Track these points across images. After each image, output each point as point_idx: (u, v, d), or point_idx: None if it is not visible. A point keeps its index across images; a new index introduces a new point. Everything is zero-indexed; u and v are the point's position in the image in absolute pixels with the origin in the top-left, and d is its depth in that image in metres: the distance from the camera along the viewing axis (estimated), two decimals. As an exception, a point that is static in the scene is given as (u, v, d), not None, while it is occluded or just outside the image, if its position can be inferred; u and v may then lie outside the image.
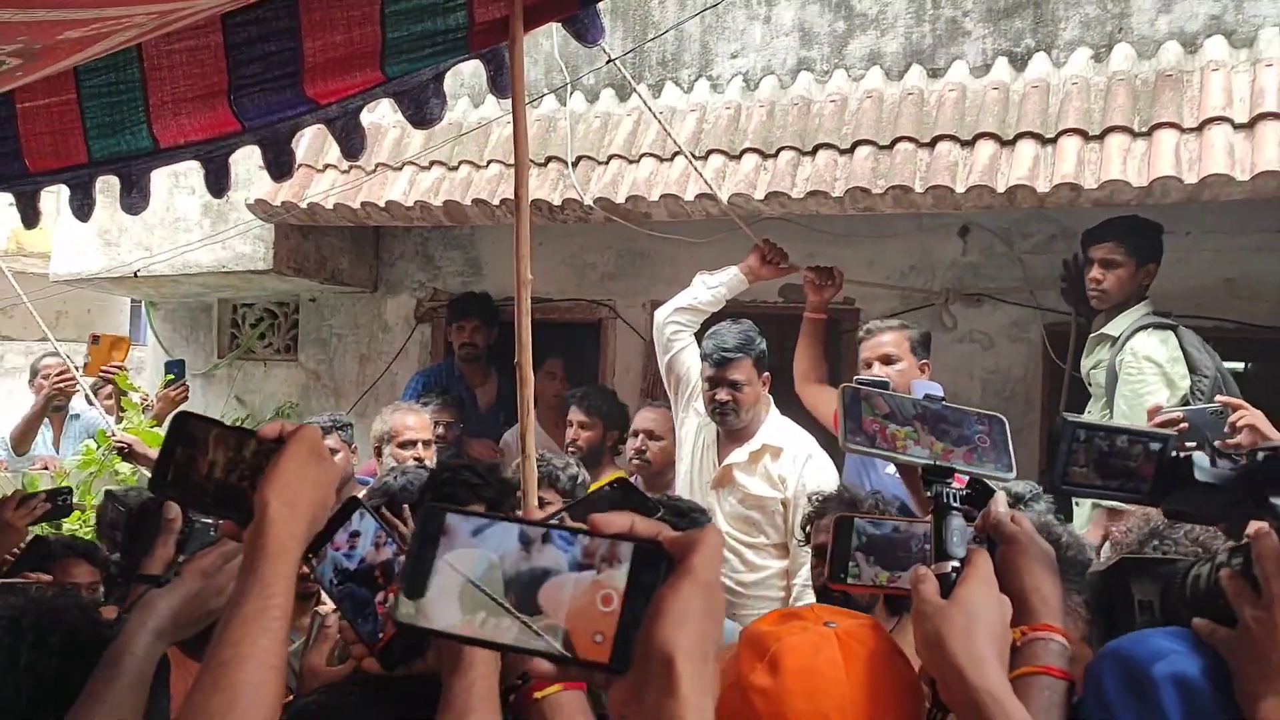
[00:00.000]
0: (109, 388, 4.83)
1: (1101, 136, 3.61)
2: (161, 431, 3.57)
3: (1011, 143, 3.71)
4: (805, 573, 2.96)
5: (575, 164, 4.28)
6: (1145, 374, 3.22)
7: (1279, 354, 4.11)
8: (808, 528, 2.51)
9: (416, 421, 3.81)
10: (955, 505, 1.12)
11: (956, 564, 1.09)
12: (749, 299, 4.02)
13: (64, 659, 1.25)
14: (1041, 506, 2.43)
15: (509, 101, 2.21)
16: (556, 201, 4.23)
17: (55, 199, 3.63)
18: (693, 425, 3.52)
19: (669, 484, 3.64)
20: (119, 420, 4.59)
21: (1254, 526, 1.07)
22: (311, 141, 4.56)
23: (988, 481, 1.21)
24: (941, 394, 1.26)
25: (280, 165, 2.55)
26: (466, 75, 4.44)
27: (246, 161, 3.36)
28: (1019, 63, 3.98)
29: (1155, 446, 1.19)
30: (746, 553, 3.30)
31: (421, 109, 2.32)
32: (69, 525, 3.60)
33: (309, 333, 5.66)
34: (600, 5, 2.19)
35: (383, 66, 2.18)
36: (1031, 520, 1.69)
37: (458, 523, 0.69)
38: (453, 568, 0.68)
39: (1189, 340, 3.31)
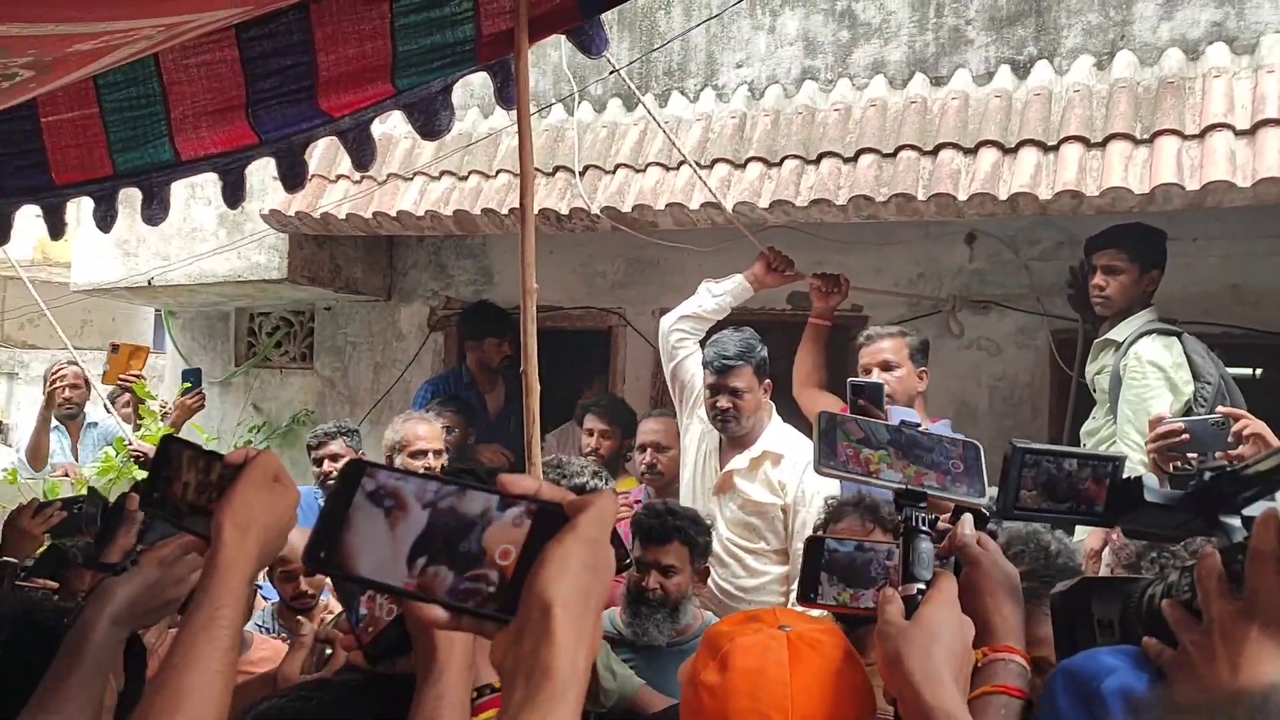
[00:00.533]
0: (126, 395, 4.90)
1: (1103, 144, 3.62)
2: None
3: (1014, 150, 3.73)
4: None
5: (582, 173, 4.32)
6: (1149, 379, 3.21)
7: (1285, 359, 4.12)
8: (820, 532, 2.51)
9: (428, 431, 3.85)
10: (923, 529, 1.16)
11: (922, 586, 1.12)
12: (757, 306, 4.05)
13: (23, 649, 1.28)
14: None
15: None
16: (564, 211, 4.27)
17: (76, 210, 3.70)
18: (696, 432, 3.54)
19: (677, 492, 3.65)
20: (136, 428, 4.66)
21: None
22: (324, 152, 4.60)
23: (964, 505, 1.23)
24: (918, 421, 1.28)
25: (294, 176, 2.61)
26: (476, 86, 4.50)
27: (261, 172, 3.42)
28: (1021, 71, 4.00)
29: (1105, 469, 1.20)
30: (747, 558, 3.30)
31: (431, 120, 2.38)
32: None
33: (324, 341, 5.72)
34: (605, 17, 2.25)
35: (394, 79, 2.24)
36: (1019, 529, 1.72)
37: (375, 475, 0.74)
38: (364, 518, 0.72)
39: (1193, 347, 3.29)
